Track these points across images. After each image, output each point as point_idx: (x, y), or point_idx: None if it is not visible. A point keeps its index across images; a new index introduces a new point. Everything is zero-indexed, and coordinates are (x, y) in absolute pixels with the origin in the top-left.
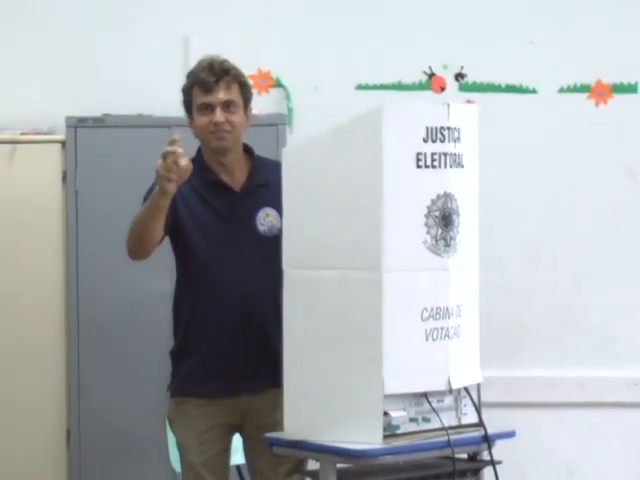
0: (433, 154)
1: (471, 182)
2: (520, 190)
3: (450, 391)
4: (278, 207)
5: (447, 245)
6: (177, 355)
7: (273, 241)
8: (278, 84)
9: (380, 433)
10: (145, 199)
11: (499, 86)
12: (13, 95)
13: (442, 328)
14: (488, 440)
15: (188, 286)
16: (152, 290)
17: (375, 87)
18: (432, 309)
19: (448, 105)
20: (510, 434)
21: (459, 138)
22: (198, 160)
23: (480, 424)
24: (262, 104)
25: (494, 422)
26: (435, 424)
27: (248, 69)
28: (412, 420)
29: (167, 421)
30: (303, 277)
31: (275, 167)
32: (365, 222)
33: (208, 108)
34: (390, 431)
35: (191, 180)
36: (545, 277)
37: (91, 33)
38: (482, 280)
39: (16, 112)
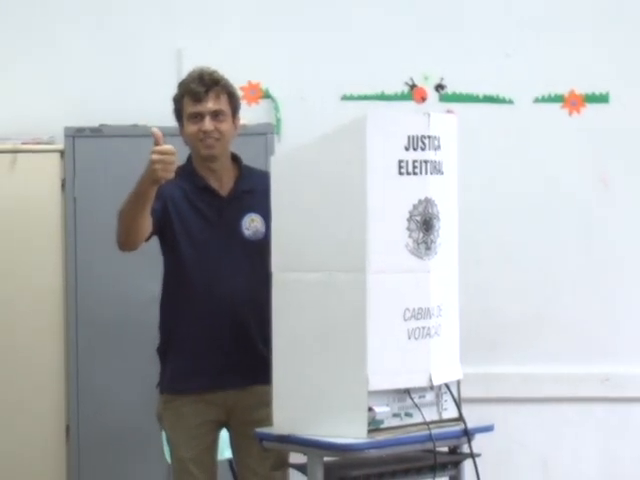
0: (414, 161)
1: (451, 188)
2: (497, 195)
3: (431, 387)
4: (263, 213)
5: (428, 248)
6: (163, 352)
7: (257, 245)
8: (267, 95)
9: (365, 428)
10: None
11: (477, 97)
12: (15, 106)
13: (423, 327)
14: (468, 434)
15: (174, 285)
16: (148, 293)
17: (359, 98)
18: (414, 309)
19: (429, 115)
20: (488, 428)
21: (439, 146)
22: (188, 167)
23: (460, 419)
24: (252, 114)
25: (473, 417)
26: (417, 419)
27: (238, 81)
28: (395, 415)
29: (157, 418)
30: (291, 279)
31: (261, 176)
32: (350, 226)
33: (198, 117)
34: (374, 426)
35: (181, 185)
36: (521, 278)
37: (89, 48)
38: (461, 281)
39: (17, 122)
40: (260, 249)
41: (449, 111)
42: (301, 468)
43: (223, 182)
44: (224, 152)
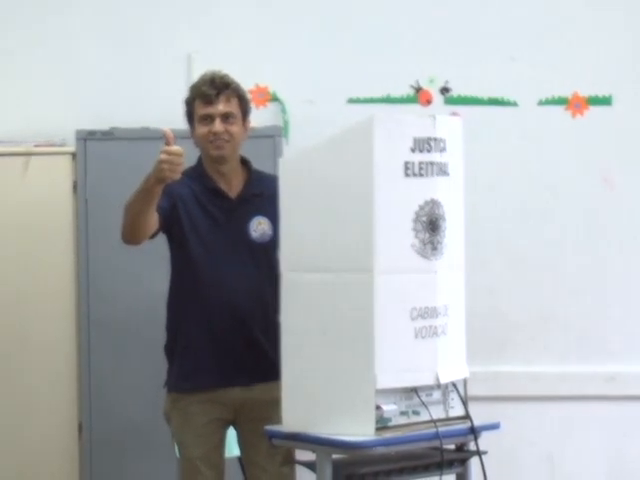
0: (420, 163)
1: (456, 189)
2: (503, 196)
3: (438, 386)
4: (270, 216)
5: (434, 249)
6: (170, 351)
7: (264, 247)
8: (275, 98)
9: (373, 426)
10: None
11: (482, 99)
12: (27, 109)
13: (430, 327)
14: (474, 432)
15: (181, 284)
16: (159, 292)
17: (366, 101)
18: (421, 309)
19: (434, 117)
20: (495, 426)
21: (445, 148)
22: (198, 168)
23: (467, 417)
24: (260, 117)
25: (480, 415)
26: (424, 417)
27: (247, 84)
28: (403, 413)
29: (164, 417)
30: (300, 279)
31: (269, 179)
32: (357, 227)
33: (208, 119)
34: (382, 424)
35: (191, 185)
36: (527, 278)
37: (100, 52)
38: (468, 281)
39: (30, 125)
40: (266, 251)
41: (454, 113)
42: (309, 465)
43: (232, 185)
44: (233, 154)
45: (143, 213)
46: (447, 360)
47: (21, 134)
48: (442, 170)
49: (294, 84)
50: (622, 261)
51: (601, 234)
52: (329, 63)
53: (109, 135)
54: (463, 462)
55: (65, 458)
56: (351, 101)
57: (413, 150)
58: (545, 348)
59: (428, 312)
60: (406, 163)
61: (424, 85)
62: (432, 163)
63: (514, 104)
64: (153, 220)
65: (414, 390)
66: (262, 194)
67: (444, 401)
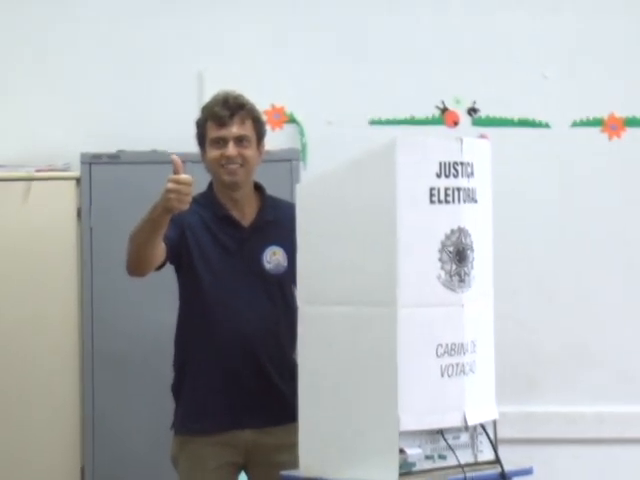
0: (446, 189)
1: (485, 217)
2: (534, 224)
3: (466, 428)
4: (285, 246)
5: (461, 280)
6: (177, 389)
7: (278, 279)
8: (292, 120)
9: (396, 471)
10: None
11: (512, 120)
12: (28, 132)
13: (457, 364)
14: (505, 478)
15: (190, 318)
16: (166, 326)
17: (388, 122)
18: (447, 345)
19: (461, 140)
20: (527, 471)
21: (472, 173)
22: (209, 194)
23: (497, 461)
24: (276, 140)
25: (511, 459)
26: (451, 461)
27: (262, 105)
28: (428, 457)
29: (172, 461)
30: (318, 313)
31: (285, 207)
32: (379, 258)
33: (221, 142)
34: (406, 469)
35: (200, 213)
36: (561, 310)
37: (105, 70)
38: (497, 314)
39: (31, 148)
40: (281, 283)
41: (482, 136)
42: None
43: (245, 212)
44: (247, 180)
45: (149, 243)
46: (475, 400)
47: (21, 158)
48: (470, 196)
49: (312, 104)
50: None
51: (639, 264)
52: (349, 82)
53: (115, 158)
54: None
55: None
56: (373, 122)
57: (439, 175)
58: (581, 386)
59: (455, 348)
60: (431, 189)
61: (450, 105)
62: (459, 189)
63: (546, 125)
64: (159, 251)
65: (440, 432)
66: (277, 222)
67: (472, 444)
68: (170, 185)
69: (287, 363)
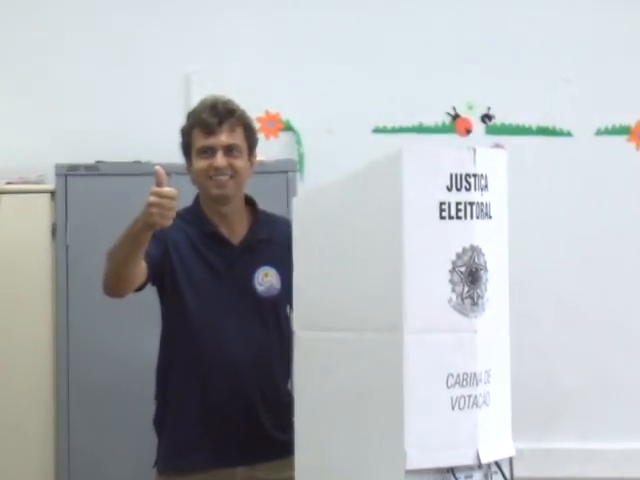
0: (458, 204)
1: (500, 234)
2: (554, 242)
3: (479, 466)
4: (279, 266)
5: (474, 304)
6: (160, 423)
7: (271, 303)
8: (288, 127)
9: None
10: None
11: (530, 128)
12: None
13: (470, 396)
14: None
15: (174, 346)
16: (148, 354)
17: (394, 130)
18: (458, 375)
19: (474, 150)
20: None
21: (486, 186)
22: (195, 209)
23: None
24: (270, 149)
25: None
26: None
27: (255, 111)
28: None
29: None
30: (316, 339)
31: (279, 223)
32: (384, 279)
33: (209, 151)
34: None
35: (185, 229)
36: (583, 338)
37: (82, 73)
38: (513, 342)
39: (1, 159)
40: (275, 307)
41: (498, 145)
42: None
43: (235, 229)
44: (237, 193)
45: (128, 261)
46: (489, 435)
47: None
48: (483, 212)
49: (311, 111)
50: None
51: None
52: (351, 86)
53: (94, 170)
54: None
55: None
56: (377, 130)
57: (449, 188)
58: (606, 420)
59: (467, 379)
60: (441, 204)
61: (462, 112)
62: (472, 203)
63: (568, 134)
64: (139, 270)
65: (451, 471)
66: (270, 240)
67: None
68: (152, 199)
69: (281, 394)
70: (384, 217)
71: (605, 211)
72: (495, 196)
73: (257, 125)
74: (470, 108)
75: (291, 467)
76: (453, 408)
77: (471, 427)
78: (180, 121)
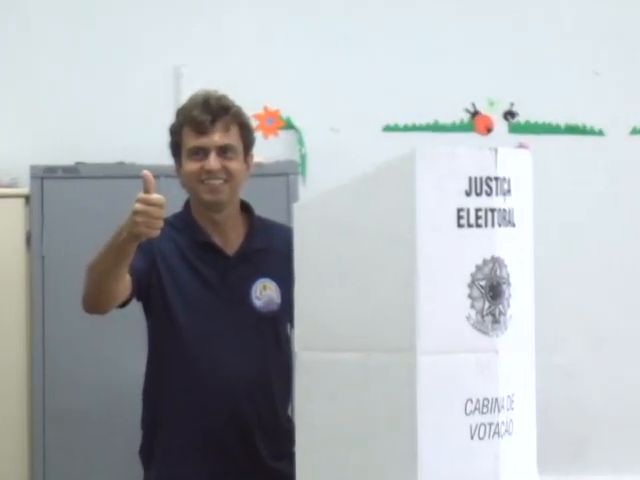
0: (478, 210)
1: (524, 244)
2: (584, 253)
3: None
4: (279, 278)
5: (496, 321)
6: (147, 454)
7: (270, 319)
8: (288, 125)
9: None
10: None
11: (558, 127)
12: None
13: (490, 424)
14: None
15: (163, 368)
16: (131, 375)
17: (406, 128)
18: (478, 400)
19: (496, 150)
20: None
21: (509, 191)
22: (185, 216)
23: None
24: (269, 149)
25: None
26: None
27: (252, 107)
28: None
29: None
30: (319, 360)
31: (279, 230)
32: (395, 293)
33: (200, 153)
34: None
35: (175, 238)
36: (615, 359)
37: (61, 67)
38: (539, 363)
39: None
40: (274, 324)
41: (522, 145)
42: None
43: (229, 238)
44: (232, 199)
45: (111, 275)
46: (512, 467)
47: None
48: (506, 219)
49: (314, 107)
50: None
51: None
52: (359, 80)
53: (73, 172)
54: None
55: None
56: (387, 129)
57: (468, 193)
58: (638, 450)
59: (488, 405)
60: (459, 210)
61: (482, 109)
62: (493, 210)
63: (599, 133)
64: (123, 284)
65: None
66: (268, 249)
67: None
68: (138, 206)
69: (280, 421)
70: (395, 225)
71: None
72: (519, 202)
73: (254, 123)
74: (491, 104)
75: None
76: (472, 437)
77: (492, 458)
78: (169, 118)
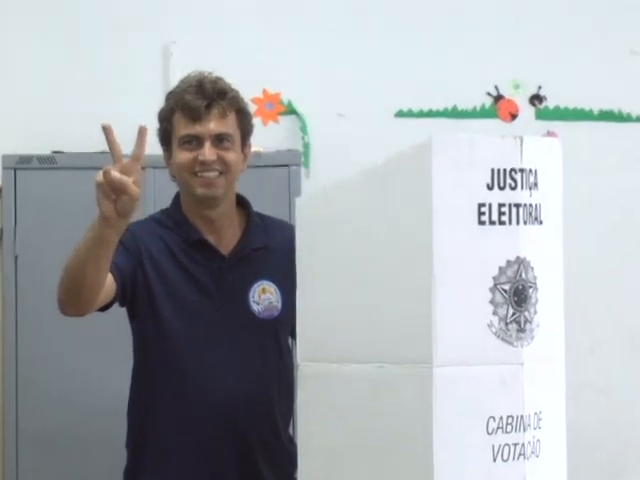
0: (501, 206)
1: (553, 244)
2: (619, 254)
3: None
4: (279, 281)
5: (521, 330)
6: (133, 477)
7: (271, 325)
8: (290, 111)
9: None
10: None
11: (590, 112)
12: None
13: (515, 444)
14: None
15: (150, 381)
16: (114, 389)
17: (421, 114)
18: (501, 418)
19: (521, 139)
20: None
21: (536, 184)
22: (175, 212)
23: None
24: (268, 137)
25: None
26: None
27: (250, 90)
28: None
29: None
30: (324, 373)
31: (279, 228)
32: (409, 299)
33: (194, 142)
34: None
35: (164, 237)
36: None
37: (36, 44)
38: (570, 377)
39: None
40: (275, 332)
41: (550, 133)
42: None
43: (224, 236)
44: (228, 193)
45: (88, 267)
46: None
47: None
48: (532, 216)
49: (318, 91)
50: None
51: None
52: (369, 61)
53: (50, 162)
54: None
55: None
56: (400, 115)
57: (490, 187)
58: None
59: (512, 423)
60: (480, 206)
61: (506, 92)
62: (518, 205)
63: (637, 119)
64: (104, 280)
65: None
66: (268, 248)
67: None
68: (98, 178)
69: (282, 441)
70: (409, 223)
71: None
72: (547, 196)
73: (252, 108)
74: (516, 88)
75: None
76: (495, 459)
77: None
78: (157, 102)
